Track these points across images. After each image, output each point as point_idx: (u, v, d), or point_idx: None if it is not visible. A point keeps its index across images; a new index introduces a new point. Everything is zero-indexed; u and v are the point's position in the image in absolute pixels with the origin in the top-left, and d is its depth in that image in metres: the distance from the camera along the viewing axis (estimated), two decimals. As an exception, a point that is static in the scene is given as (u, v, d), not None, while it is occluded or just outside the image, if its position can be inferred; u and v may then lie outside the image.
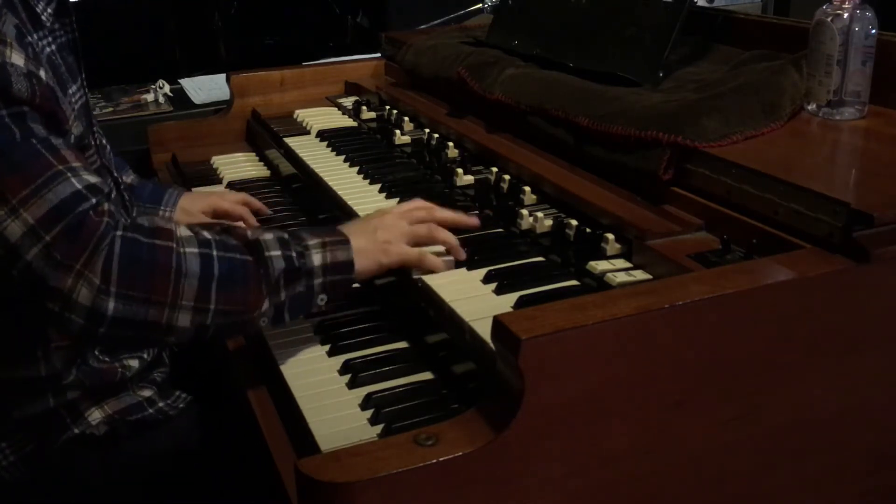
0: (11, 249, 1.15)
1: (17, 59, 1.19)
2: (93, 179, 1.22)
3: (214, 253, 1.23)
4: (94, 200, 1.19)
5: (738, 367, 1.08)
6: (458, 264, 1.39)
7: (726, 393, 1.08)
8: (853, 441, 1.20)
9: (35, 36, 1.29)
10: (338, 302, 1.52)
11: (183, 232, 1.25)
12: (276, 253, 1.26)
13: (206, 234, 1.27)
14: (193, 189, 2.06)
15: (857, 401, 1.18)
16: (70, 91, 1.36)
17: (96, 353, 1.41)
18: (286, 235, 1.30)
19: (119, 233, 1.19)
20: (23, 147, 1.17)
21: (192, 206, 1.82)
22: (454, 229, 1.43)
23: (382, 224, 1.38)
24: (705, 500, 1.12)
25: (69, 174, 1.19)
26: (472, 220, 1.45)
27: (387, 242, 1.36)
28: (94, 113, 2.55)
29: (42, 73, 1.23)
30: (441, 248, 1.40)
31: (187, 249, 1.22)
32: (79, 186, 1.19)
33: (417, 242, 1.39)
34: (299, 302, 1.29)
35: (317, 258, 1.29)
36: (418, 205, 1.44)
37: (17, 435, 1.38)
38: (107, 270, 1.16)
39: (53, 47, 1.35)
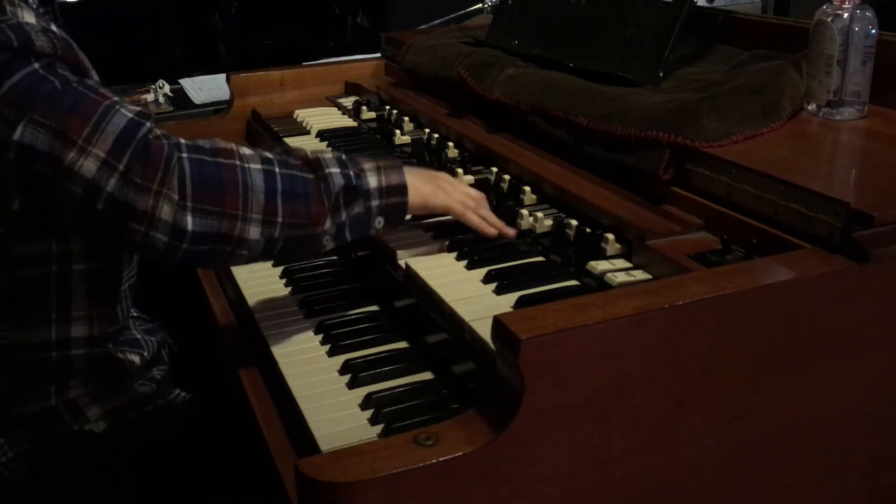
0: (91, 185, 1.20)
1: (30, 17, 1.25)
2: (137, 107, 1.27)
3: (277, 169, 1.29)
4: (148, 125, 1.25)
5: (738, 367, 1.08)
6: (457, 263, 1.40)
7: (726, 393, 1.08)
8: (853, 441, 1.20)
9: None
10: (338, 302, 1.53)
11: (245, 150, 1.30)
12: (336, 170, 1.31)
13: (268, 153, 1.32)
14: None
15: (857, 401, 1.18)
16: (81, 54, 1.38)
17: (104, 336, 1.42)
18: (344, 156, 1.35)
19: (185, 154, 1.24)
20: (67, 92, 1.22)
21: None
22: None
23: (440, 176, 1.46)
24: (705, 500, 1.12)
25: (117, 106, 1.24)
26: (510, 231, 1.46)
27: (440, 189, 1.43)
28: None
29: (54, 27, 1.28)
30: None
31: (251, 165, 1.27)
32: (130, 115, 1.24)
33: (464, 206, 1.44)
34: (359, 222, 1.34)
35: (373, 180, 1.34)
36: (475, 193, 1.49)
37: (17, 431, 1.38)
38: (182, 187, 1.22)
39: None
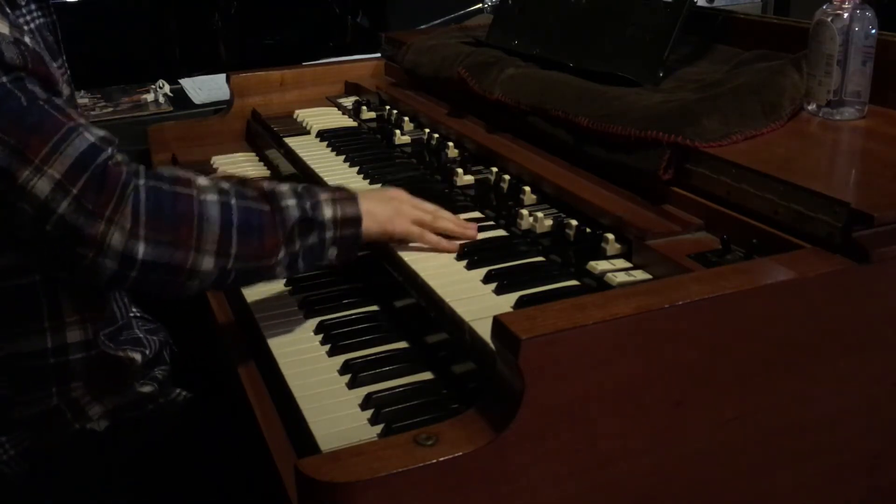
0: (42, 205, 1.19)
1: (2, 27, 1.23)
2: (101, 132, 1.26)
3: (233, 201, 1.28)
4: (109, 151, 1.24)
5: (738, 367, 1.08)
6: (457, 263, 1.40)
7: (726, 393, 1.08)
8: (853, 441, 1.20)
9: (13, 14, 1.31)
10: (338, 302, 1.53)
11: (202, 181, 1.29)
12: (291, 202, 1.31)
13: (224, 184, 1.31)
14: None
15: (857, 401, 1.18)
16: (55, 64, 1.37)
17: (103, 337, 1.42)
18: (299, 188, 1.35)
19: (142, 181, 1.23)
20: (32, 109, 1.21)
21: None
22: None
23: (396, 197, 1.45)
24: (705, 501, 1.12)
25: (81, 129, 1.23)
26: (471, 232, 1.48)
27: (396, 212, 1.42)
28: (94, 113, 2.58)
29: (27, 40, 1.27)
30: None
31: (207, 197, 1.27)
32: (92, 139, 1.23)
33: (421, 225, 1.45)
34: (312, 253, 1.34)
35: (328, 211, 1.34)
36: (430, 206, 1.48)
37: (18, 430, 1.38)
38: (136, 216, 1.21)
39: (32, 26, 1.37)
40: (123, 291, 1.51)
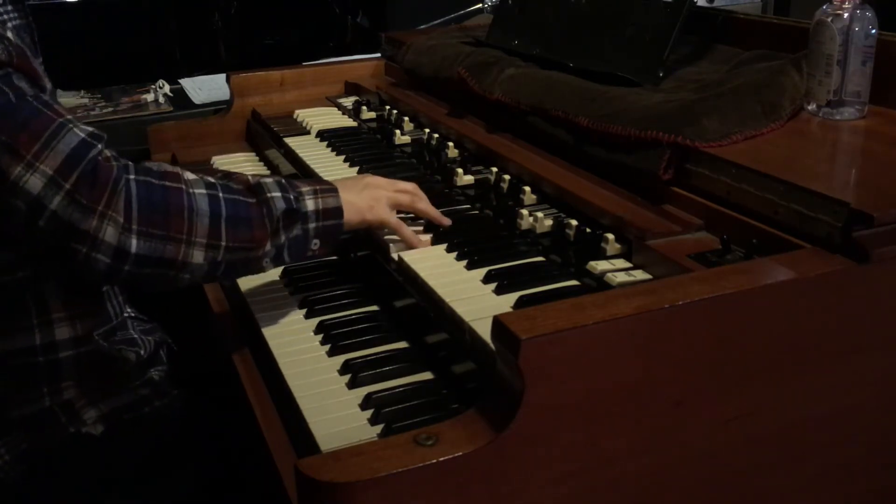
0: (35, 201, 1.20)
1: None
2: (90, 128, 1.27)
3: (221, 194, 1.31)
4: (99, 146, 1.25)
5: (738, 367, 1.08)
6: (457, 263, 1.40)
7: (726, 393, 1.08)
8: (853, 441, 1.20)
9: None
10: (338, 302, 1.53)
11: (189, 175, 1.32)
12: (277, 194, 1.34)
13: (211, 178, 1.34)
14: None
15: (857, 401, 1.18)
16: (35, 63, 1.37)
17: (97, 336, 1.42)
18: (283, 181, 1.38)
19: (132, 176, 1.25)
20: (21, 105, 1.22)
21: None
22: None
23: (372, 184, 1.49)
24: (705, 501, 1.12)
25: (71, 125, 1.24)
26: (445, 220, 1.53)
27: (374, 200, 1.46)
28: (94, 113, 2.58)
29: (10, 35, 1.27)
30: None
31: (196, 190, 1.29)
32: (82, 135, 1.24)
33: (399, 209, 1.50)
34: (297, 244, 1.37)
35: (310, 203, 1.38)
36: (408, 185, 1.53)
37: (13, 433, 1.38)
38: (128, 210, 1.22)
39: (10, 25, 1.36)
40: (118, 288, 1.51)
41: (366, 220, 1.45)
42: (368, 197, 1.46)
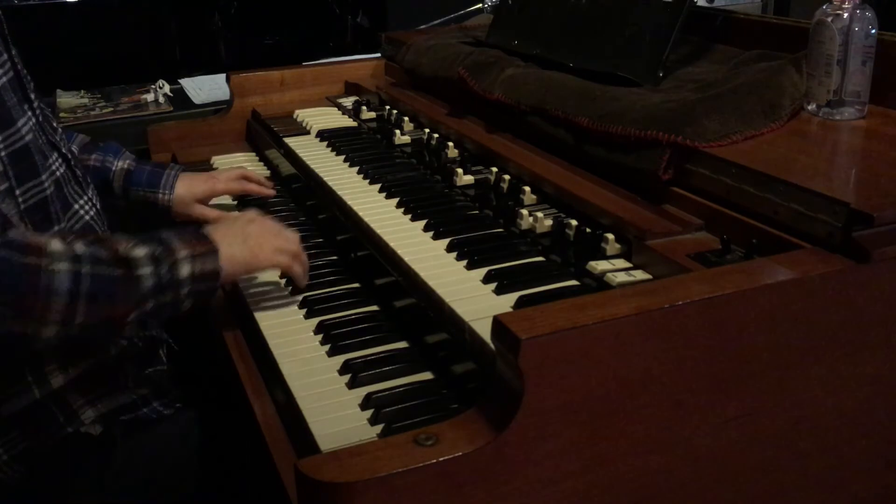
0: None
1: None
2: None
3: (83, 269, 1.25)
4: None
5: (738, 367, 1.08)
6: (457, 263, 1.40)
7: (726, 393, 1.08)
8: (853, 441, 1.20)
9: None
10: (338, 302, 1.53)
11: (54, 246, 1.25)
12: (147, 270, 1.30)
13: (78, 248, 1.27)
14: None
15: (858, 401, 1.18)
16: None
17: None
18: (158, 250, 1.32)
19: None
20: None
21: (189, 193, 1.84)
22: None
23: (252, 234, 1.46)
24: (705, 501, 1.12)
25: None
26: (303, 283, 1.55)
27: (258, 248, 1.44)
28: (94, 113, 2.58)
29: None
30: None
31: (57, 266, 1.23)
32: None
33: (284, 252, 1.49)
34: (165, 310, 1.34)
35: (185, 269, 1.34)
36: (290, 245, 1.51)
37: (10, 433, 1.37)
38: None
39: None
40: None
41: (249, 271, 1.47)
42: (250, 249, 1.43)
